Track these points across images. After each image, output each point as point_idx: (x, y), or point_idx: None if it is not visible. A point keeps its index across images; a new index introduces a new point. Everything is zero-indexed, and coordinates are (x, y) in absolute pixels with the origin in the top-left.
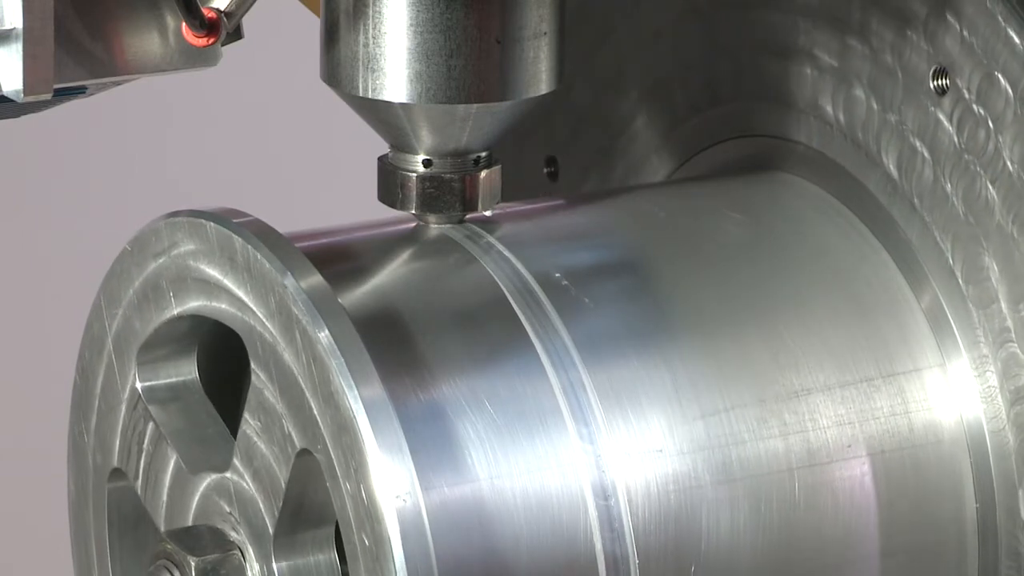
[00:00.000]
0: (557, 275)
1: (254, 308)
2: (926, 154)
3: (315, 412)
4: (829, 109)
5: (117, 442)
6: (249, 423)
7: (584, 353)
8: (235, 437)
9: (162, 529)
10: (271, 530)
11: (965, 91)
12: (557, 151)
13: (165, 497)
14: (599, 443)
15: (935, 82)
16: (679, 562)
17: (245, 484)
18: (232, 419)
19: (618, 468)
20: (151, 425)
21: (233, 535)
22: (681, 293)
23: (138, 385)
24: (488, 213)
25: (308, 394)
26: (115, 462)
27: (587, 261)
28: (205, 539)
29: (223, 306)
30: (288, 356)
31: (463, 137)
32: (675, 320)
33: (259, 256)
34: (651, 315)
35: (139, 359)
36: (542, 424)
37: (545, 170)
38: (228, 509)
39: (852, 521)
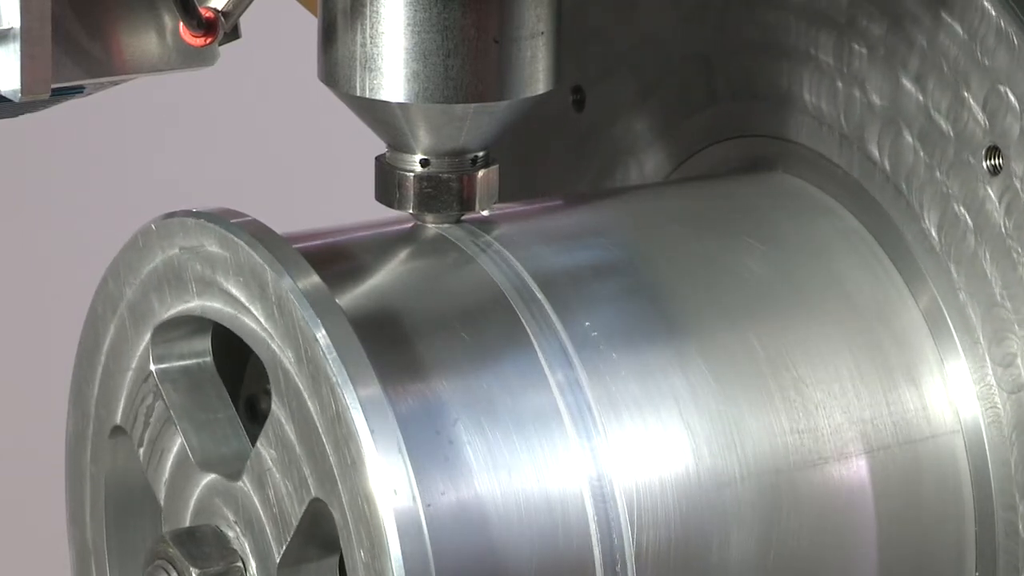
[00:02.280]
0: (587, 323)
1: (281, 345)
2: (969, 223)
3: (335, 472)
4: (875, 149)
5: (122, 403)
6: (265, 448)
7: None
8: (241, 418)
9: (162, 502)
10: (277, 556)
11: (1017, 181)
12: (585, 83)
13: (167, 476)
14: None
15: (988, 161)
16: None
17: (254, 503)
18: (238, 389)
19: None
20: (161, 403)
21: (235, 542)
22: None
23: (152, 367)
24: (486, 213)
25: (329, 451)
26: (118, 420)
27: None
28: (208, 545)
29: (249, 324)
30: (312, 406)
31: (460, 137)
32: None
33: (292, 297)
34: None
35: (154, 338)
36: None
37: (571, 97)
38: (232, 517)
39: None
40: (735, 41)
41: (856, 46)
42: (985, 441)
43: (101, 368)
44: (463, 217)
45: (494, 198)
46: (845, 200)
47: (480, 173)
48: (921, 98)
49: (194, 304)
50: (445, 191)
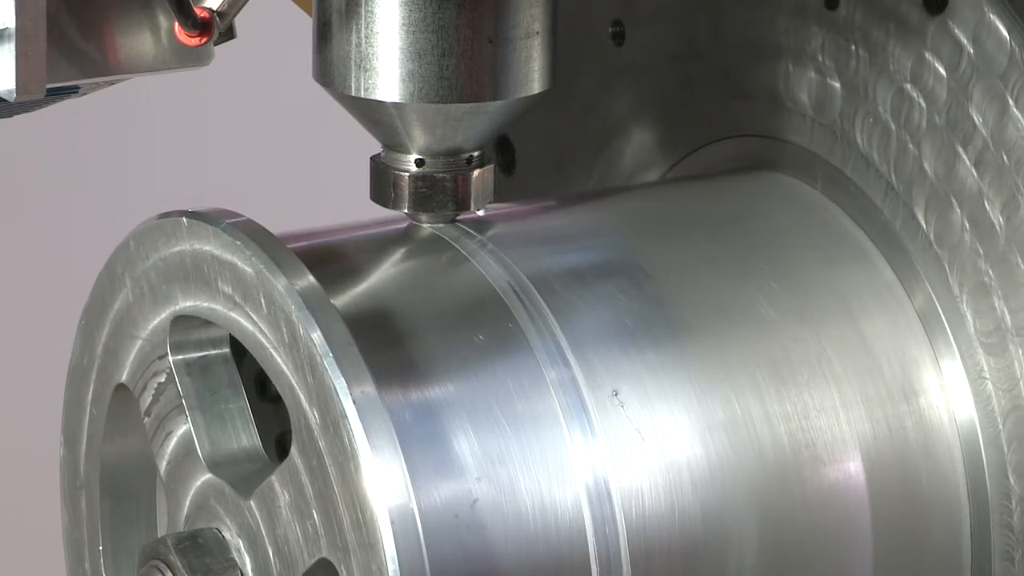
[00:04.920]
0: (613, 391)
1: (308, 401)
2: (1009, 322)
3: (350, 547)
4: (921, 212)
5: (129, 364)
6: (281, 486)
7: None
8: (250, 397)
9: (162, 472)
10: None
11: None
12: (626, 19)
13: (169, 457)
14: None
15: None
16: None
17: (260, 530)
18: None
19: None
20: (174, 389)
21: (236, 553)
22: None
23: (170, 358)
24: (480, 212)
25: (348, 525)
26: (123, 379)
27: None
28: (210, 556)
29: (278, 363)
30: (333, 473)
31: (455, 137)
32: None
33: (321, 356)
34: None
35: (174, 327)
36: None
37: (610, 30)
38: (236, 530)
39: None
40: (793, 48)
41: (916, 97)
42: (992, 542)
43: (111, 321)
44: (458, 217)
45: (489, 198)
46: (881, 245)
47: (475, 173)
48: (976, 182)
49: (220, 315)
50: (440, 191)
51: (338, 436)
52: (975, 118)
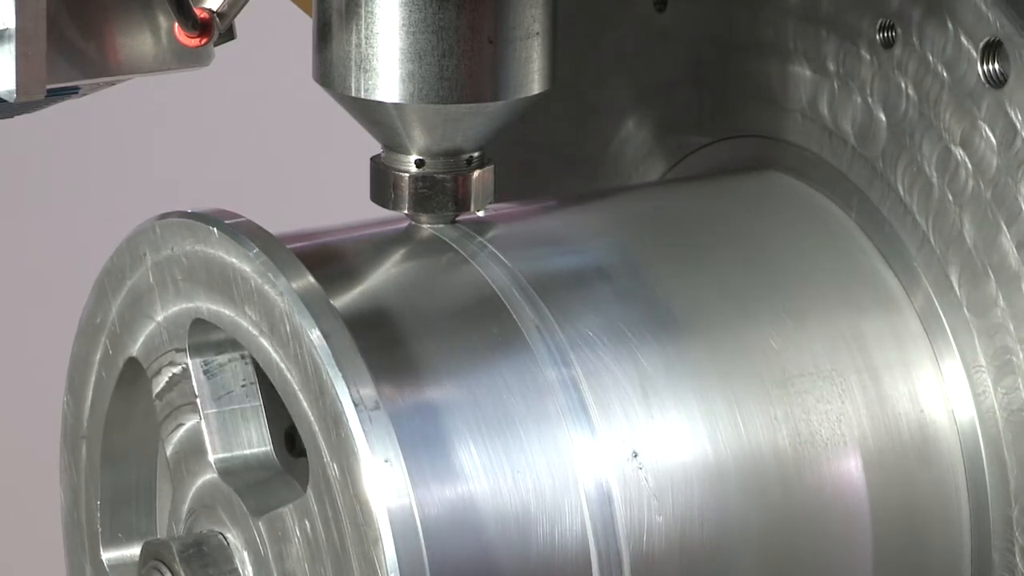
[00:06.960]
0: (634, 452)
1: (329, 455)
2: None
3: None
4: (955, 275)
5: (141, 341)
6: (294, 519)
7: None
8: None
9: (168, 454)
10: None
11: None
12: None
13: (177, 443)
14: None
15: None
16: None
17: (268, 553)
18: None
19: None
20: (190, 386)
21: (241, 566)
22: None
23: (188, 360)
24: (480, 213)
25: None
26: (135, 353)
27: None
28: (215, 566)
29: (302, 406)
30: (350, 530)
31: (455, 137)
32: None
33: (347, 417)
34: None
35: (193, 328)
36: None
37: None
38: (241, 543)
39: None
40: (841, 73)
41: (963, 159)
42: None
43: (128, 292)
44: (458, 218)
45: (489, 198)
46: (909, 290)
47: (475, 173)
48: (1017, 263)
49: (244, 333)
50: (440, 191)
51: (359, 498)
52: (1022, 204)
